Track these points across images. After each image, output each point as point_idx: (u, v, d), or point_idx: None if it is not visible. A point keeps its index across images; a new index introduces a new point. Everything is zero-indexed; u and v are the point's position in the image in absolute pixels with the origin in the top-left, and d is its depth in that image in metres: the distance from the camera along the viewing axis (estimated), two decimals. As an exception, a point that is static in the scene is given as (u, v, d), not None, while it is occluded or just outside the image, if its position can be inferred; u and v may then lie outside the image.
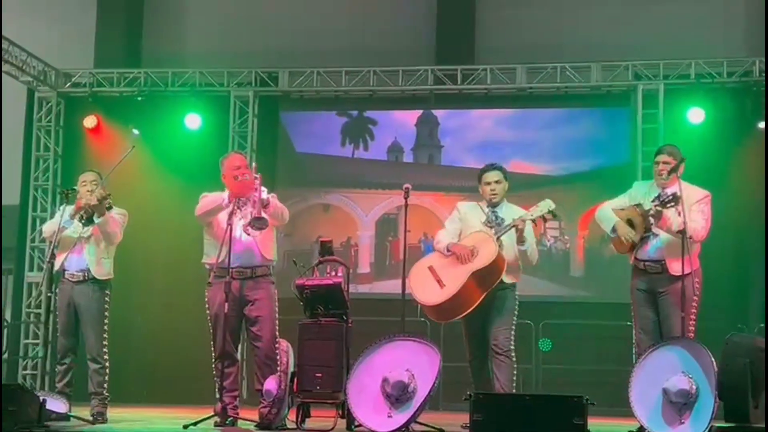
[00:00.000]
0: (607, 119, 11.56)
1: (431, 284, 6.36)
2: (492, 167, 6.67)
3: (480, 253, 6.31)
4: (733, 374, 5.75)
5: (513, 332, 6.48)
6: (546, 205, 6.35)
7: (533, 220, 6.36)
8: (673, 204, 6.17)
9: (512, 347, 6.45)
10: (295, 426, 6.03)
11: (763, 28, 9.97)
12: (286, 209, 6.52)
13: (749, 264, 9.83)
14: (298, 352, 6.17)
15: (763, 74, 10.44)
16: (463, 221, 6.58)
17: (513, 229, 6.33)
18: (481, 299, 6.32)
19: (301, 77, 11.72)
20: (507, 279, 6.43)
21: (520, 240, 6.31)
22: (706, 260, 6.45)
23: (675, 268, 6.28)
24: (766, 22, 8.51)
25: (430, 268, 6.42)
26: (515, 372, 6.43)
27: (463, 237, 6.48)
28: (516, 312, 6.51)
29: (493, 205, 6.57)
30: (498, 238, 6.34)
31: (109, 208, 6.79)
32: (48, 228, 6.99)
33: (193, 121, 11.89)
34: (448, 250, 6.40)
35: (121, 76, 11.97)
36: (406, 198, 6.59)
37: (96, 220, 6.76)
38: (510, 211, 6.48)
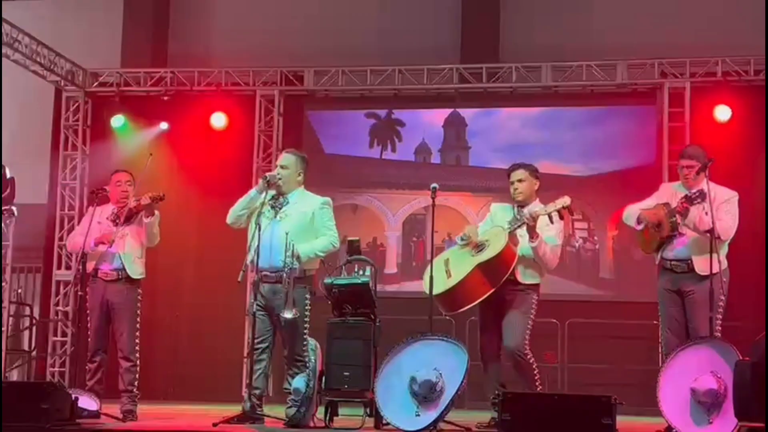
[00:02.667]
0: (633, 118, 11.52)
1: (440, 275, 6.44)
2: (517, 166, 6.69)
3: (489, 246, 6.34)
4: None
5: (527, 334, 6.44)
6: (561, 201, 6.36)
7: (549, 215, 6.37)
8: (699, 201, 6.16)
9: (527, 348, 6.41)
10: (323, 425, 6.05)
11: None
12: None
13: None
14: (326, 350, 6.20)
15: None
16: (493, 221, 6.62)
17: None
18: (488, 293, 6.33)
19: (326, 76, 11.75)
20: (524, 279, 6.43)
21: (531, 236, 6.32)
22: (733, 260, 6.43)
23: (702, 267, 6.26)
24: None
25: (446, 261, 6.52)
26: (536, 371, 6.44)
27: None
28: (533, 314, 6.46)
29: (519, 204, 6.59)
30: (511, 233, 6.36)
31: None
32: (73, 243, 7.07)
33: (218, 120, 11.96)
34: (462, 239, 6.51)
35: (147, 76, 12.06)
36: (433, 198, 6.61)
37: (146, 220, 6.83)
38: (535, 210, 6.48)
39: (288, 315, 6.12)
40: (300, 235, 6.33)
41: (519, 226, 6.39)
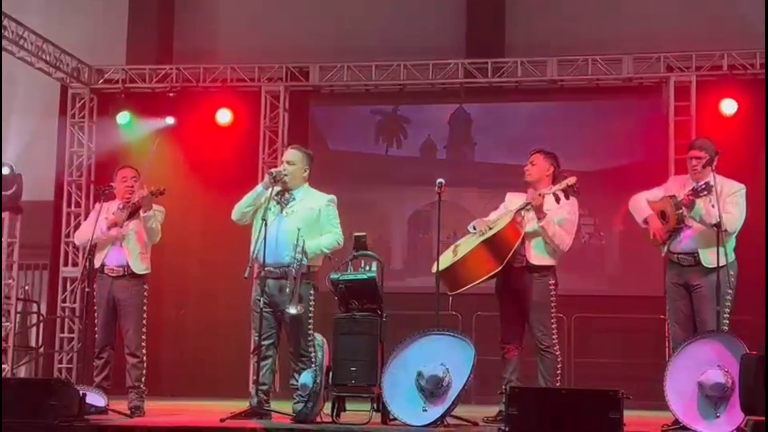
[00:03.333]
0: (639, 112, 11.49)
1: (447, 255, 6.61)
2: (535, 150, 6.90)
3: (495, 225, 6.43)
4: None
5: (553, 326, 6.54)
6: (566, 181, 6.46)
7: (554, 195, 6.46)
8: (706, 193, 6.16)
9: (554, 341, 6.54)
10: (330, 420, 6.06)
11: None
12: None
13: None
14: (333, 346, 6.20)
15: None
16: (506, 208, 6.72)
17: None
18: (494, 271, 6.43)
19: (331, 72, 11.75)
20: (535, 260, 6.49)
21: (538, 215, 6.39)
22: (741, 253, 6.42)
23: (708, 260, 6.26)
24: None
25: (456, 246, 6.68)
26: (559, 366, 6.49)
27: None
28: (553, 304, 6.56)
29: (529, 186, 6.72)
30: (516, 213, 6.43)
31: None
32: (82, 234, 7.07)
33: (224, 116, 11.97)
34: (474, 228, 6.62)
35: (153, 72, 12.06)
36: (439, 193, 6.65)
37: (143, 214, 6.83)
38: (541, 191, 6.58)
39: (293, 311, 6.14)
40: (306, 232, 6.35)
41: (525, 206, 6.47)
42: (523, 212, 6.57)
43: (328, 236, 6.47)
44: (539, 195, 6.50)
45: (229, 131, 11.96)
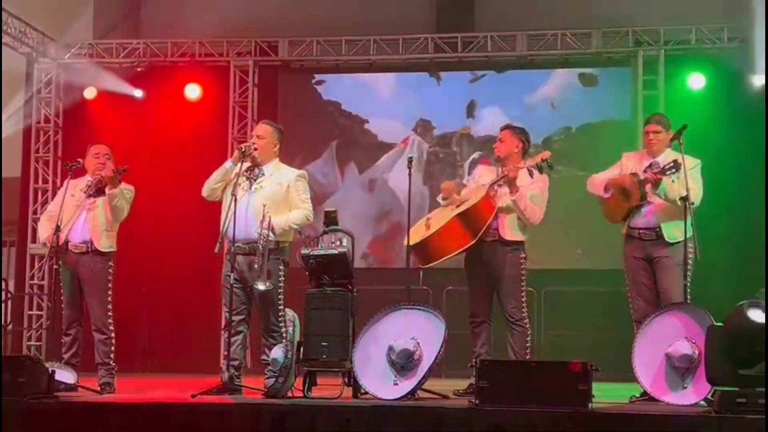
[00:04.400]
0: (608, 83, 11.52)
1: (420, 229, 6.65)
2: (504, 126, 6.96)
3: (468, 199, 6.44)
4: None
5: (524, 299, 6.60)
6: (540, 155, 6.50)
7: (528, 170, 6.52)
8: (674, 171, 6.21)
9: (525, 315, 6.61)
10: (301, 395, 6.08)
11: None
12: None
13: (749, 229, 9.86)
14: (304, 321, 6.21)
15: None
16: (476, 181, 6.79)
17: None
18: (467, 245, 6.47)
19: (301, 46, 11.69)
20: (507, 235, 6.55)
21: (511, 189, 6.43)
22: (704, 226, 6.49)
23: (671, 234, 6.35)
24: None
25: (427, 218, 6.72)
26: (529, 339, 6.56)
27: None
28: (524, 277, 6.62)
29: (500, 162, 6.76)
30: (491, 186, 6.49)
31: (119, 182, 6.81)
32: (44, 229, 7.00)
33: (192, 91, 11.88)
34: (443, 198, 6.68)
35: (120, 47, 11.94)
36: (409, 168, 6.69)
37: (107, 191, 6.77)
38: (515, 165, 6.63)
39: (261, 287, 6.15)
40: (275, 207, 6.35)
41: (498, 181, 6.52)
42: (496, 186, 6.61)
43: (297, 212, 6.47)
44: (513, 169, 6.53)
45: (198, 106, 11.89)
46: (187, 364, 10.43)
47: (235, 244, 6.30)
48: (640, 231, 6.48)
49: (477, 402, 5.40)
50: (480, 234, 6.49)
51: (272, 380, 6.05)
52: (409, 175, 6.70)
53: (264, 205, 6.25)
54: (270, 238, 6.23)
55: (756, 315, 5.25)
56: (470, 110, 11.71)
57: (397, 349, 5.90)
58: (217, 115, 11.73)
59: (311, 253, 6.24)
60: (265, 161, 6.57)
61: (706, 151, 6.61)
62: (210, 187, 6.54)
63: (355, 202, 11.78)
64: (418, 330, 6.01)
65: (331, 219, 6.42)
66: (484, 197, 6.52)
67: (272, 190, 6.47)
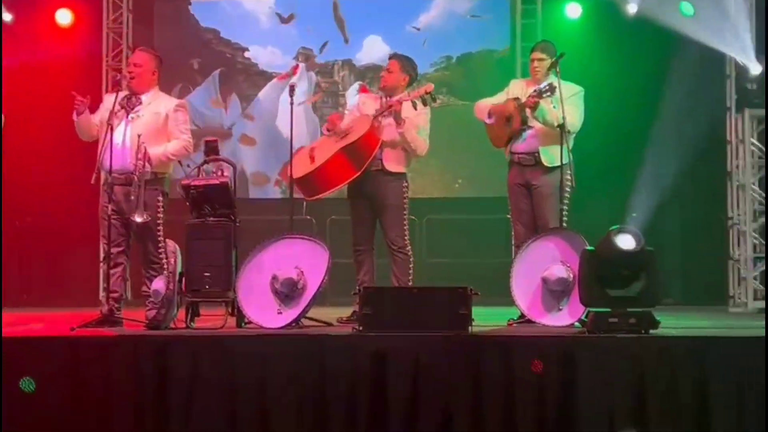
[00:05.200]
0: (487, 12, 11.57)
1: (304, 161, 6.60)
2: (391, 56, 6.98)
3: (352, 131, 6.44)
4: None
5: (406, 227, 6.68)
6: (424, 87, 6.53)
7: (412, 102, 6.50)
8: (549, 94, 6.36)
9: (407, 242, 6.68)
10: (184, 326, 6.04)
11: None
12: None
13: (624, 156, 10.16)
14: (186, 252, 6.14)
15: None
16: (360, 110, 6.76)
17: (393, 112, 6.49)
18: (353, 177, 6.48)
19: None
20: (390, 167, 6.60)
21: (397, 122, 6.46)
22: (580, 152, 6.67)
23: (548, 159, 6.51)
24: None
25: (311, 149, 6.68)
26: (411, 267, 6.65)
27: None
28: (406, 206, 6.69)
29: (385, 93, 6.72)
30: (376, 118, 6.48)
31: None
32: None
33: (64, 16, 11.42)
34: (328, 130, 6.66)
35: (-17, -32, 11.35)
36: (291, 96, 6.65)
37: None
38: (399, 96, 6.63)
39: (138, 219, 6.06)
40: (152, 137, 6.23)
41: (384, 113, 6.52)
42: (380, 118, 6.59)
43: (176, 142, 6.37)
44: (398, 101, 6.51)
45: (70, 33, 11.42)
46: (65, 299, 10.21)
47: (112, 175, 6.16)
48: (520, 156, 6.63)
49: (360, 329, 5.48)
50: (365, 166, 6.50)
51: (154, 312, 5.99)
52: (291, 103, 6.65)
53: (139, 136, 6.13)
54: (146, 169, 6.12)
55: (624, 240, 5.46)
56: (345, 35, 11.56)
57: (281, 278, 5.91)
58: (90, 42, 11.32)
59: (191, 183, 6.15)
60: (142, 90, 6.41)
61: (583, 80, 6.75)
62: (82, 136, 6.43)
63: (239, 133, 11.61)
64: (301, 259, 6.02)
65: (211, 148, 6.33)
66: (369, 129, 6.50)
67: (150, 119, 6.35)
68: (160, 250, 6.16)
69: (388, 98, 6.68)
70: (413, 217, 10.20)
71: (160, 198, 6.31)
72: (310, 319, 6.15)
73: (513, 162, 6.70)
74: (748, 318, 7.96)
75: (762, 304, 8.71)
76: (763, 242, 9.17)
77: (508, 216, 6.88)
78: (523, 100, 6.53)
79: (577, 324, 5.94)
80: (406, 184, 6.72)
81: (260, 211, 9.76)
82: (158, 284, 6.02)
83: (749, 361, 5.07)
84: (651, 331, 5.36)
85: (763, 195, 9.19)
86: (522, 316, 6.21)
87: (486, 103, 6.73)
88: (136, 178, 6.09)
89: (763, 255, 9.21)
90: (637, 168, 9.56)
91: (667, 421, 4.95)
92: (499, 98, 6.74)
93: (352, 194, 6.80)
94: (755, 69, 9.09)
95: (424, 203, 10.46)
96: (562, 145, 6.33)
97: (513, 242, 6.74)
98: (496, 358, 5.17)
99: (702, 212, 9.97)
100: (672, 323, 6.01)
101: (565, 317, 6.01)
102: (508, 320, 6.35)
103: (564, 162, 6.44)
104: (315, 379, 5.17)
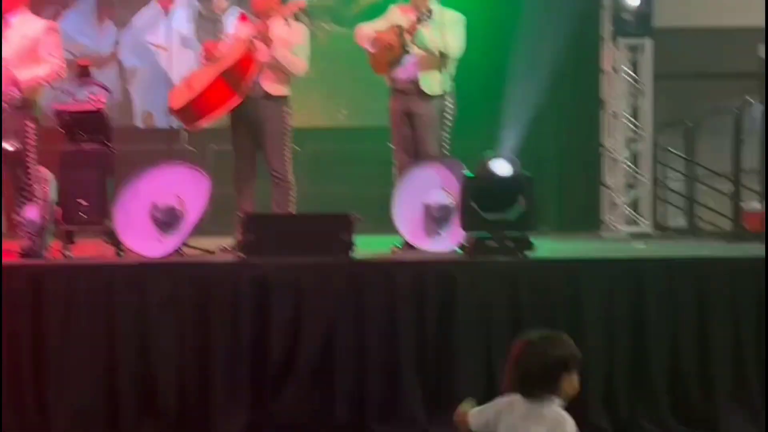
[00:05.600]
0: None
1: (183, 90, 6.46)
2: None
3: (228, 56, 6.37)
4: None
5: (288, 154, 6.62)
6: (296, 3, 6.45)
7: (285, 20, 6.43)
8: (427, 17, 6.36)
9: (289, 171, 6.61)
10: (59, 255, 5.90)
11: None
12: None
13: (503, 85, 10.25)
14: (60, 180, 5.97)
15: None
16: (235, 38, 6.62)
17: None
18: (233, 103, 6.37)
19: None
20: (270, 89, 6.50)
21: (265, 42, 6.36)
22: (461, 81, 6.73)
23: (429, 87, 6.53)
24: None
25: (189, 78, 6.54)
26: (293, 194, 6.61)
27: None
28: (288, 133, 6.62)
29: (258, 16, 6.60)
30: (248, 41, 6.39)
31: None
32: None
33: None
34: (205, 59, 6.53)
35: None
36: (166, 23, 6.49)
37: None
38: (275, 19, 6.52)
39: (8, 147, 5.86)
40: (21, 61, 6.00)
41: (256, 36, 6.40)
42: (254, 41, 6.48)
43: (46, 66, 6.13)
44: (264, 22, 6.40)
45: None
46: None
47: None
48: (401, 83, 6.63)
49: (243, 256, 5.46)
50: (243, 90, 6.40)
51: (28, 241, 5.83)
52: (169, 31, 6.48)
53: (7, 60, 5.89)
54: (15, 95, 5.90)
55: (500, 165, 5.58)
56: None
57: (161, 205, 5.82)
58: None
59: (64, 109, 5.96)
60: (10, 11, 6.14)
61: (463, 7, 6.77)
62: None
63: (117, 59, 11.22)
64: (182, 187, 5.94)
65: (83, 72, 6.13)
66: (244, 53, 6.39)
67: (18, 43, 6.10)
68: (32, 179, 5.97)
69: (261, 21, 6.56)
70: (297, 147, 10.19)
71: (30, 124, 6.07)
72: (192, 247, 6.08)
73: (394, 89, 6.70)
74: (620, 243, 8.26)
75: (634, 228, 9.03)
76: (635, 169, 9.45)
77: (391, 145, 6.90)
78: (404, 26, 6.52)
79: (458, 249, 6.05)
80: (287, 110, 6.65)
81: (144, 140, 9.53)
82: (32, 213, 5.84)
83: (620, 282, 5.29)
84: (527, 254, 5.52)
85: (636, 123, 9.45)
86: (405, 242, 6.29)
87: (367, 29, 6.69)
88: (4, 104, 5.87)
89: (636, 181, 9.51)
90: (513, 96, 9.67)
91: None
92: (379, 23, 6.71)
93: (233, 122, 6.70)
94: (632, 0, 9.27)
95: (307, 133, 10.38)
96: (442, 72, 6.37)
97: (395, 170, 6.77)
98: (378, 282, 5.25)
99: (576, 141, 10.18)
100: (548, 248, 6.19)
101: (446, 242, 6.12)
102: (392, 247, 6.42)
103: (445, 90, 6.48)
104: (196, 306, 5.16)
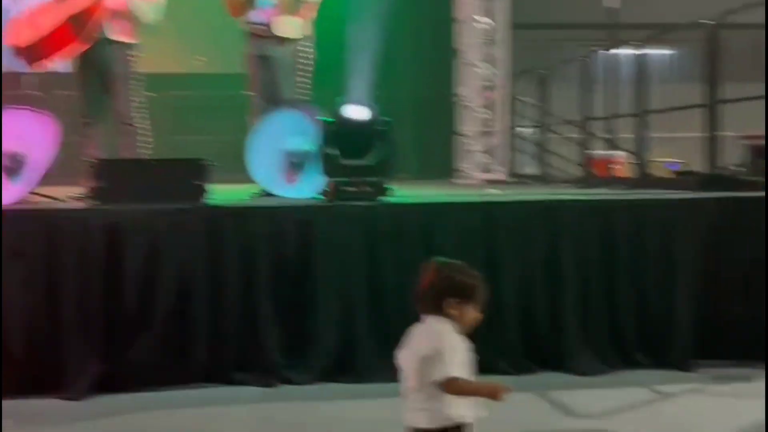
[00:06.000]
0: None
1: (27, 27, 6.19)
2: None
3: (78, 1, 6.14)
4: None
5: (135, 99, 6.42)
6: None
7: None
8: None
9: (135, 115, 6.42)
10: None
11: None
12: None
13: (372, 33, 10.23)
14: None
15: None
16: None
17: None
18: (79, 47, 6.18)
19: None
20: (115, 36, 6.28)
21: None
22: (322, 28, 6.66)
23: (283, 30, 6.45)
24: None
25: (34, 13, 6.26)
26: (139, 139, 6.42)
27: None
28: (134, 77, 6.41)
29: None
30: None
31: None
32: None
33: None
34: None
35: None
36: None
37: None
38: None
39: None
40: None
41: None
42: None
43: None
44: None
45: None
46: None
47: None
48: (256, 26, 6.52)
49: (94, 202, 5.30)
50: (90, 36, 6.17)
51: None
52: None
53: None
54: None
55: (355, 111, 5.58)
56: None
57: (5, 151, 5.57)
58: None
59: None
60: None
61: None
62: None
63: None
64: (27, 132, 5.70)
65: None
66: (96, 2, 6.14)
67: None
68: None
69: None
70: (153, 93, 9.92)
71: None
72: (39, 194, 5.86)
73: (250, 33, 6.58)
74: (473, 189, 8.42)
75: (488, 175, 9.23)
76: (490, 117, 9.62)
77: (248, 91, 6.79)
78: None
79: (318, 195, 6.03)
80: (133, 54, 6.43)
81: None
82: None
83: (473, 225, 5.38)
84: (384, 199, 5.55)
85: (489, 72, 9.58)
86: (262, 190, 6.22)
87: None
88: None
89: (490, 129, 9.69)
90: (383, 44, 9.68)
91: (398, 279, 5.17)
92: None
93: (79, 66, 6.45)
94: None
95: (162, 79, 10.13)
96: (298, 16, 6.29)
97: (251, 116, 6.67)
98: (234, 227, 5.19)
99: (431, 90, 10.29)
100: (405, 194, 6.24)
101: (306, 188, 6.08)
102: (250, 195, 6.34)
103: (303, 35, 6.41)
104: (45, 255, 4.98)
